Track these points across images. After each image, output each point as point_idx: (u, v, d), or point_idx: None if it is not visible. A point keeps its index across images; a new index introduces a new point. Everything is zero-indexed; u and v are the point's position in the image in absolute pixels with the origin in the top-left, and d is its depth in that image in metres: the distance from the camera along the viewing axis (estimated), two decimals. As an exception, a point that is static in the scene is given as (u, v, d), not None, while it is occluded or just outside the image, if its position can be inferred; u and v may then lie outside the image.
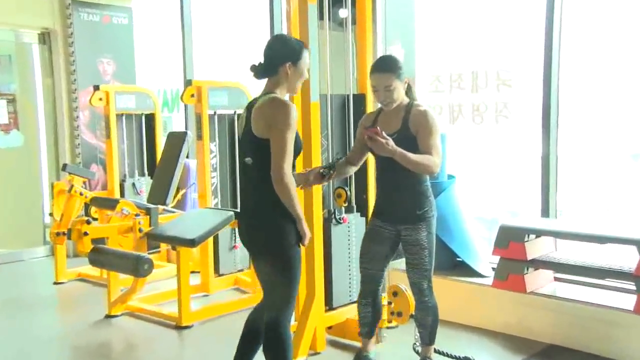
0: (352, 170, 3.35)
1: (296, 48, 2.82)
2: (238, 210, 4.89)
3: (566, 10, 4.11)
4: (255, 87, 5.34)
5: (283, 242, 2.76)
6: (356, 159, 3.32)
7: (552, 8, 4.07)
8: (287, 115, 2.68)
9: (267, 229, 2.79)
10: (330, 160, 3.10)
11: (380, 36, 4.19)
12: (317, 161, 3.57)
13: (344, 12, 4.09)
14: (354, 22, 4.02)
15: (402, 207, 3.15)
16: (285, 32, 4.12)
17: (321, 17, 3.75)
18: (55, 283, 5.59)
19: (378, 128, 2.91)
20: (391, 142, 2.89)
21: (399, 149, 2.91)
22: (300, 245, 2.81)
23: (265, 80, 2.85)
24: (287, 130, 2.66)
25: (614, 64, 4.15)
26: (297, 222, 2.76)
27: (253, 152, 2.80)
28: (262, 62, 2.83)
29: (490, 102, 4.43)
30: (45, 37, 6.63)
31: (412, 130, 3.06)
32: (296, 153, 2.81)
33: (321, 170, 3.04)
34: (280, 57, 2.80)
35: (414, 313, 3.32)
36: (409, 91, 3.17)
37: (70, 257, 6.13)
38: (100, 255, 4.25)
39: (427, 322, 3.24)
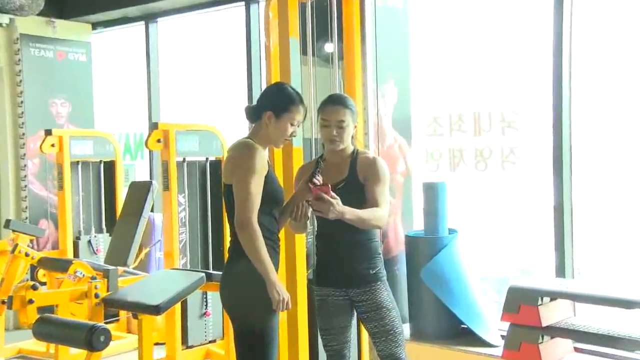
0: (307, 227, 3.29)
1: (284, 100, 2.94)
2: (209, 271, 4.84)
3: (576, 43, 4.17)
4: (232, 131, 5.37)
5: (255, 311, 2.80)
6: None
7: (561, 41, 4.13)
8: (249, 158, 2.79)
9: (237, 293, 2.87)
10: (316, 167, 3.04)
11: (370, 73, 4.24)
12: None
13: (330, 47, 4.14)
14: (341, 58, 4.07)
15: (352, 268, 3.12)
16: (264, 69, 4.16)
17: (304, 52, 3.79)
18: (-11, 362, 5.42)
19: (329, 186, 2.88)
20: (340, 203, 2.87)
21: (348, 209, 2.90)
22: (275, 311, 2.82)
23: None
24: (249, 174, 2.77)
25: (635, 102, 4.21)
26: (266, 281, 2.76)
27: (225, 201, 2.93)
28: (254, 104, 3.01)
29: (495, 146, 4.46)
30: (-12, 75, 6.64)
31: (360, 178, 3.12)
32: (275, 203, 2.93)
33: (310, 178, 2.96)
34: (265, 104, 2.96)
35: None
36: (352, 139, 3.21)
37: (10, 329, 5.95)
38: (47, 327, 4.12)
39: None
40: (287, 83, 3.23)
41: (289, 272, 3.59)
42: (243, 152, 2.84)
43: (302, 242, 3.62)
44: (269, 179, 2.87)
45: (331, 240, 3.14)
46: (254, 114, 2.98)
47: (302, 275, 3.62)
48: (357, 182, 3.11)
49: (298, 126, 3.00)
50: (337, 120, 3.08)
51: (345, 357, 3.25)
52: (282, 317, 3.47)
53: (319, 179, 2.97)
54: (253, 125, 3.00)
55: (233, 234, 2.89)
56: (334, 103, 3.13)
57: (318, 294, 3.21)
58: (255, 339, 2.82)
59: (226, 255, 5.27)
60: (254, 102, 3.08)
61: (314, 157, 3.89)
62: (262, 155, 2.85)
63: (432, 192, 4.42)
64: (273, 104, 2.94)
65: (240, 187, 2.78)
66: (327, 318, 3.19)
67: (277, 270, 2.91)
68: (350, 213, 2.91)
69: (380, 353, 3.14)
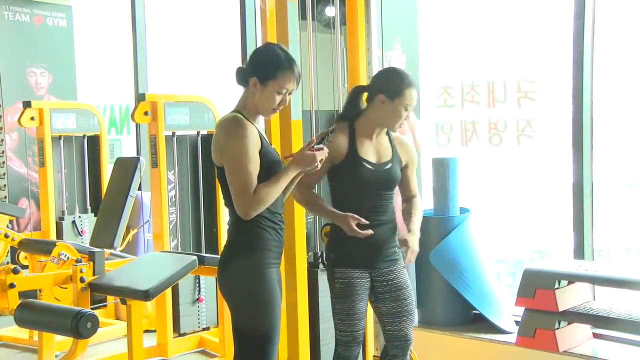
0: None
1: (269, 64, 2.81)
2: (202, 253, 4.87)
3: (600, 4, 4.14)
4: (225, 103, 5.37)
5: (254, 310, 2.80)
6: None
7: (583, 2, 4.12)
8: (237, 138, 2.71)
9: (236, 293, 2.85)
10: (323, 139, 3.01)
11: (375, 39, 4.23)
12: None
13: (331, 11, 4.13)
14: (343, 23, 4.05)
15: (380, 248, 3.21)
16: (260, 35, 4.15)
17: (303, 16, 3.77)
18: (-32, 350, 5.46)
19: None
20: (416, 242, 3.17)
21: (417, 235, 3.20)
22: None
23: None
24: (241, 159, 2.70)
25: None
26: (289, 176, 2.81)
27: (220, 185, 2.87)
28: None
29: (510, 118, 4.47)
30: (-43, 42, 6.62)
31: (402, 162, 3.28)
32: None
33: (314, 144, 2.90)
34: (250, 69, 2.86)
35: None
36: None
37: (-10, 316, 6.01)
38: (30, 313, 4.16)
39: None
40: (278, 44, 3.06)
41: (287, 255, 3.59)
42: (230, 131, 2.75)
43: (302, 223, 3.62)
44: (265, 154, 2.80)
45: (365, 217, 3.16)
46: (241, 78, 2.87)
47: (302, 258, 3.63)
48: (399, 166, 3.26)
49: (290, 94, 2.88)
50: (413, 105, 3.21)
51: (360, 344, 3.30)
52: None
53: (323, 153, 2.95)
54: (243, 92, 2.91)
55: (231, 220, 2.86)
56: (414, 86, 3.21)
57: (341, 276, 3.22)
58: (254, 338, 2.82)
59: (220, 236, 5.38)
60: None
61: (314, 131, 3.88)
62: (252, 132, 2.75)
63: (442, 168, 4.44)
64: (258, 68, 2.82)
65: (234, 176, 2.72)
66: (353, 302, 3.22)
67: (281, 253, 2.91)
68: (418, 233, 3.20)
69: (396, 333, 3.24)
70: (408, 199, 3.37)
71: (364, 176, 3.15)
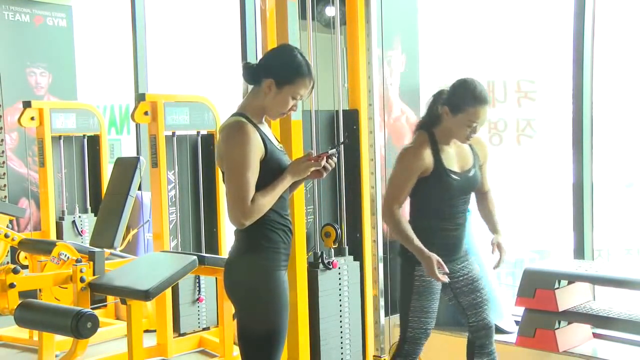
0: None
1: (290, 69, 2.77)
2: (202, 253, 4.87)
3: (600, 4, 4.15)
4: (225, 102, 5.36)
5: (261, 304, 2.79)
6: None
7: (583, 5, 4.12)
8: (238, 145, 2.66)
9: (241, 293, 2.84)
10: (335, 144, 3.00)
11: (375, 39, 4.22)
12: (298, 194, 3.55)
13: (331, 11, 4.13)
14: (343, 22, 4.05)
15: (460, 245, 3.32)
16: (260, 35, 4.14)
17: (303, 16, 3.78)
18: (-32, 350, 5.47)
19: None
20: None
21: (503, 234, 3.32)
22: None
23: None
24: (239, 167, 2.65)
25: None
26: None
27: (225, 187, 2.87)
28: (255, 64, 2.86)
29: (510, 118, 4.46)
30: (-44, 42, 6.62)
31: (480, 162, 3.31)
32: None
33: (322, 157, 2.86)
34: (267, 69, 2.80)
35: None
36: None
37: (-10, 316, 6.02)
38: (30, 312, 4.17)
39: None
40: (298, 48, 2.97)
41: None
42: (231, 138, 2.70)
43: (302, 223, 3.62)
44: (269, 160, 2.75)
45: (452, 221, 3.25)
46: (252, 75, 2.82)
47: (302, 258, 3.63)
48: (479, 168, 3.30)
49: (301, 100, 2.86)
50: (483, 121, 3.15)
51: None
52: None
53: (331, 164, 2.90)
54: (250, 88, 2.87)
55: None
56: (486, 102, 3.10)
57: (422, 274, 3.22)
58: (260, 339, 2.81)
59: (220, 236, 5.37)
60: (257, 60, 2.93)
61: (314, 131, 3.88)
62: (254, 138, 2.69)
63: (442, 168, 4.43)
64: (276, 71, 2.76)
65: (230, 185, 2.69)
66: (432, 300, 3.29)
67: (289, 255, 2.88)
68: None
69: (480, 323, 3.38)
70: (482, 194, 3.43)
71: (451, 187, 3.17)
